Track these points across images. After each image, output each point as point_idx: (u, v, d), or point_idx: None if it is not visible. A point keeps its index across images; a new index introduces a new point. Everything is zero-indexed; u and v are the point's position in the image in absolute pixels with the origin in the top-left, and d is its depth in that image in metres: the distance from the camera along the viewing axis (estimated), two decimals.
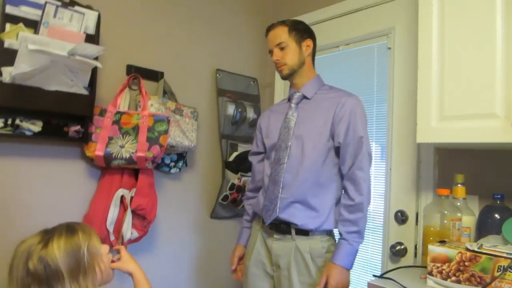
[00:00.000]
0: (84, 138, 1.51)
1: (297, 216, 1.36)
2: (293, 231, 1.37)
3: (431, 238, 1.28)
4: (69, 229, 1.02)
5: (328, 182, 1.39)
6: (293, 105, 1.47)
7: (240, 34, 2.18)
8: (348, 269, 1.32)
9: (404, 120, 1.63)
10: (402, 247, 1.59)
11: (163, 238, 1.85)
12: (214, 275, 2.06)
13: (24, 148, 1.46)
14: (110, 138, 1.54)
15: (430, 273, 1.11)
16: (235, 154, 2.02)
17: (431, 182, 1.54)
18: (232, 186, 1.95)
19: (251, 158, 1.64)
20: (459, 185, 1.30)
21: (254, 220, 1.56)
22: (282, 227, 1.39)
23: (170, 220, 1.87)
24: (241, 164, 1.98)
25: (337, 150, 1.39)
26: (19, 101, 1.31)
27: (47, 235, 0.99)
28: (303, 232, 1.37)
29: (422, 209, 1.47)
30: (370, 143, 1.41)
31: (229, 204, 1.99)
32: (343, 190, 1.40)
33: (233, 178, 1.96)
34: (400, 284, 1.10)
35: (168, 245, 1.87)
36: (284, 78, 1.49)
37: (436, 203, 1.32)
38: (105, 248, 1.07)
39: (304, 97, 1.47)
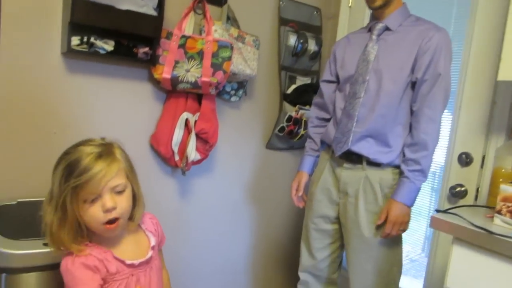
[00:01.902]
0: (152, 60, 1.53)
1: (369, 150, 1.35)
2: (364, 162, 1.38)
3: (500, 180, 1.24)
4: (90, 155, 0.89)
5: (403, 119, 1.35)
6: (374, 37, 1.38)
7: None
8: (409, 206, 1.33)
9: (483, 56, 1.50)
10: (463, 189, 1.56)
11: (221, 163, 1.92)
12: (267, 202, 2.15)
13: (97, 66, 1.52)
14: (176, 62, 1.56)
15: (499, 212, 1.09)
16: (293, 86, 2.00)
17: (505, 125, 1.45)
18: (289, 118, 1.95)
19: (322, 85, 1.59)
20: None
21: (323, 150, 1.57)
22: (353, 158, 1.40)
23: (228, 147, 1.92)
24: (300, 97, 1.97)
25: (414, 86, 1.33)
26: (94, 18, 1.35)
27: (91, 144, 0.94)
28: (375, 164, 1.37)
29: (494, 151, 1.41)
30: None
31: (285, 136, 2.01)
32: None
33: (291, 111, 1.96)
34: (466, 220, 1.10)
35: (225, 170, 1.95)
36: (375, 9, 1.38)
37: (510, 145, 1.26)
38: (105, 202, 0.89)
39: (387, 28, 1.38)
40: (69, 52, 1.39)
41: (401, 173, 1.35)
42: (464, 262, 1.09)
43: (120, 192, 0.92)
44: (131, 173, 0.98)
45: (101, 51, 1.43)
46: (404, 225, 1.34)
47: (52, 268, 1.15)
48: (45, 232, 0.91)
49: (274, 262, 2.28)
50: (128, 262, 0.96)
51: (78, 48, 1.38)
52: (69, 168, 0.87)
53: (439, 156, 1.67)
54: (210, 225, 1.95)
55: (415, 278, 1.83)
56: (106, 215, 0.89)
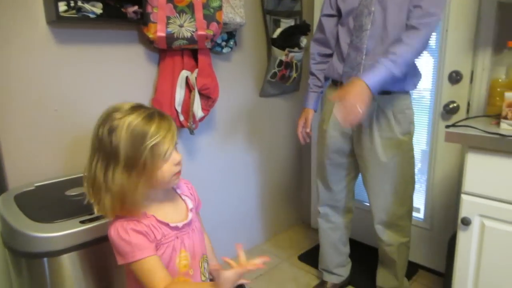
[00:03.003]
0: (143, 19, 1.46)
1: None
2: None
3: (498, 90, 1.36)
4: (150, 116, 0.89)
5: None
6: None
7: None
8: (370, 88, 1.22)
9: None
10: (455, 105, 1.69)
11: (220, 117, 1.93)
12: (267, 148, 2.21)
13: (86, 33, 1.43)
14: (168, 18, 1.50)
15: (505, 117, 1.21)
16: (279, 30, 1.99)
17: (490, 40, 1.56)
18: (280, 63, 1.96)
19: (323, 19, 1.56)
20: None
21: (328, 87, 1.60)
22: None
23: (224, 100, 1.92)
24: (287, 40, 1.96)
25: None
26: None
27: (132, 110, 0.90)
28: (385, 92, 1.41)
29: (489, 64, 1.53)
30: None
31: (278, 81, 2.02)
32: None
33: (281, 55, 1.96)
34: (479, 129, 1.21)
35: (225, 123, 1.96)
36: None
37: (504, 56, 1.37)
38: (176, 156, 0.93)
39: None
40: (56, 21, 1.29)
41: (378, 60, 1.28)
42: (479, 167, 1.21)
43: (176, 147, 0.95)
44: None
45: (91, 15, 1.34)
46: (360, 104, 1.19)
47: (91, 245, 1.15)
48: (115, 198, 0.89)
49: (281, 201, 2.39)
50: (172, 224, 0.97)
51: (67, 15, 1.29)
52: (141, 130, 0.87)
53: (427, 79, 1.78)
54: (219, 177, 1.99)
55: None
56: (177, 167, 0.93)
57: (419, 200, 1.94)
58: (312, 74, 1.63)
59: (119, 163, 0.86)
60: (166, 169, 0.91)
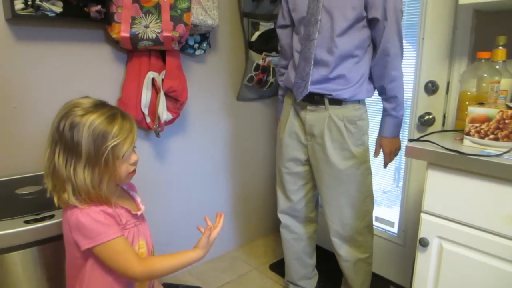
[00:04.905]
0: (107, 19, 1.44)
1: (329, 88, 1.36)
2: (326, 102, 1.39)
3: (467, 103, 1.29)
4: (112, 116, 0.90)
5: (360, 54, 1.35)
6: None
7: None
8: (396, 136, 1.47)
9: None
10: (431, 116, 1.63)
11: (193, 120, 1.90)
12: (242, 153, 2.16)
13: (48, 31, 1.41)
14: (133, 18, 1.47)
15: (468, 134, 1.14)
16: (257, 33, 1.95)
17: (466, 49, 1.49)
18: (257, 67, 1.92)
19: (279, 32, 1.55)
20: (500, 48, 1.26)
21: (286, 95, 1.56)
22: (315, 99, 1.40)
23: (198, 103, 1.89)
24: (265, 44, 1.92)
25: (370, 22, 1.32)
26: None
27: (95, 107, 0.90)
28: (336, 102, 1.38)
29: (459, 76, 1.46)
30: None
31: (255, 85, 1.98)
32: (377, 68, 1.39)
33: (258, 59, 1.92)
34: (438, 145, 1.15)
35: (199, 127, 1.93)
36: None
37: (474, 67, 1.30)
38: (133, 157, 0.97)
39: None
40: (14, 19, 1.27)
41: (384, 111, 1.44)
42: (439, 185, 1.15)
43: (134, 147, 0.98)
44: None
45: (50, 14, 1.32)
46: (398, 150, 1.50)
47: (35, 245, 1.13)
48: (79, 191, 0.90)
49: (257, 208, 2.35)
50: (133, 212, 1.01)
51: (24, 13, 1.27)
52: (103, 130, 0.88)
53: (405, 88, 1.71)
54: (190, 181, 1.96)
55: (389, 207, 1.93)
56: (132, 167, 0.97)
57: (393, 215, 1.87)
58: (280, 85, 1.62)
59: (80, 159, 0.88)
60: (123, 168, 0.94)
